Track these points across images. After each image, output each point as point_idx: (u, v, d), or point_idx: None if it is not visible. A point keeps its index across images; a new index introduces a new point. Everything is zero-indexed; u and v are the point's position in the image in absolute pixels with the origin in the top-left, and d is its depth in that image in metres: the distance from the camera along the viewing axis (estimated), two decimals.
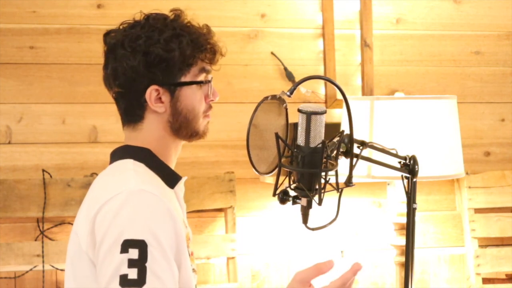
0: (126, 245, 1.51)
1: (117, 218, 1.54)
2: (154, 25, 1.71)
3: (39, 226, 2.98)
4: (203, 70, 1.73)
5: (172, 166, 1.75)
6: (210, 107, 1.76)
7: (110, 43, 1.72)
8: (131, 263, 1.50)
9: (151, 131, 1.71)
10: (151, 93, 1.69)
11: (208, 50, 1.73)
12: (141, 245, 1.51)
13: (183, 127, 1.72)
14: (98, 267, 1.54)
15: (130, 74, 1.68)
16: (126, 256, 1.50)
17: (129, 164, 1.67)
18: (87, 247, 1.58)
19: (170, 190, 1.71)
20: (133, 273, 1.49)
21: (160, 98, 1.69)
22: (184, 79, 1.71)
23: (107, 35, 1.74)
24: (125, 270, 1.49)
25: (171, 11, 1.77)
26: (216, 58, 1.75)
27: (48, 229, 2.99)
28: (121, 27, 1.74)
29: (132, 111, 1.72)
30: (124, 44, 1.68)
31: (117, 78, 1.71)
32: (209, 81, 1.75)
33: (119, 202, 1.56)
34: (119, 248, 1.51)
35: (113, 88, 1.73)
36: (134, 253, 1.50)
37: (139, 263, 1.50)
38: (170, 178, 1.71)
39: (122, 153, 1.72)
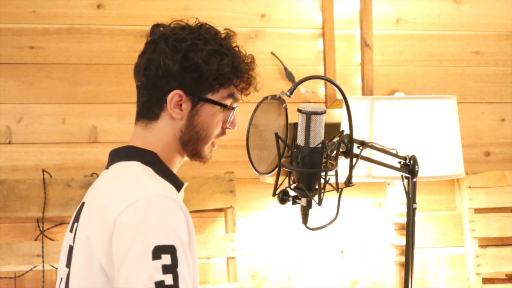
0: (158, 251, 1.48)
1: (142, 225, 1.51)
2: (203, 35, 1.69)
3: (39, 226, 2.98)
4: (231, 95, 1.71)
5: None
6: (223, 133, 1.75)
7: (155, 35, 1.71)
8: (166, 269, 1.47)
9: (161, 134, 1.69)
10: (174, 96, 1.67)
11: (245, 79, 1.71)
12: (172, 250, 1.49)
13: (192, 142, 1.70)
14: (124, 276, 1.50)
15: (162, 70, 1.66)
16: (159, 262, 1.48)
17: (139, 167, 1.65)
18: (101, 253, 1.54)
19: (177, 194, 1.69)
20: (169, 279, 1.47)
21: (180, 105, 1.68)
22: (211, 96, 1.69)
23: (155, 27, 1.73)
24: (160, 276, 1.47)
25: (225, 29, 1.74)
26: (249, 90, 1.73)
27: (48, 229, 2.99)
28: (171, 24, 1.72)
29: (149, 106, 1.70)
30: (168, 41, 1.67)
31: (148, 69, 1.68)
32: (233, 108, 1.73)
33: (142, 209, 1.53)
34: (150, 255, 1.48)
35: (140, 78, 1.71)
36: (167, 259, 1.48)
37: (173, 269, 1.48)
38: (174, 184, 1.69)
39: (127, 154, 1.69)
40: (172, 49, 1.66)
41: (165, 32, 1.70)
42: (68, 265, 1.67)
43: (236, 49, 1.72)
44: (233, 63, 1.69)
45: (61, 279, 1.69)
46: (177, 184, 1.70)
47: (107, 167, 1.72)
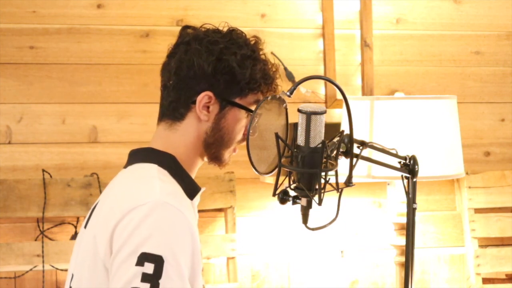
0: (143, 258, 1.48)
1: (138, 229, 1.51)
2: (235, 39, 1.69)
3: (39, 226, 2.97)
4: (257, 102, 1.70)
5: (193, 176, 1.72)
6: (244, 139, 1.73)
7: (188, 35, 1.70)
8: (145, 278, 1.46)
9: (185, 135, 1.69)
10: (203, 98, 1.66)
11: (273, 86, 1.72)
12: (158, 261, 1.48)
13: (215, 145, 1.70)
14: (111, 275, 1.51)
15: (195, 71, 1.66)
16: (140, 270, 1.47)
17: (153, 171, 1.64)
18: (104, 255, 1.55)
19: (188, 201, 1.67)
20: None
21: (208, 107, 1.67)
22: (239, 101, 1.69)
23: (184, 28, 1.73)
24: (137, 283, 1.46)
25: (253, 36, 1.74)
26: None
27: (48, 229, 2.99)
28: (202, 28, 1.72)
29: (176, 107, 1.69)
30: (202, 42, 1.67)
31: (180, 69, 1.68)
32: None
33: (142, 214, 1.52)
34: (135, 260, 1.48)
35: (171, 77, 1.70)
36: (149, 268, 1.47)
37: (153, 279, 1.47)
38: (190, 189, 1.68)
39: (145, 155, 1.69)
40: (206, 50, 1.66)
41: (198, 34, 1.70)
42: None
43: (263, 56, 1.73)
44: (264, 69, 1.70)
45: (72, 275, 1.68)
46: (194, 189, 1.70)
47: (125, 167, 1.72)
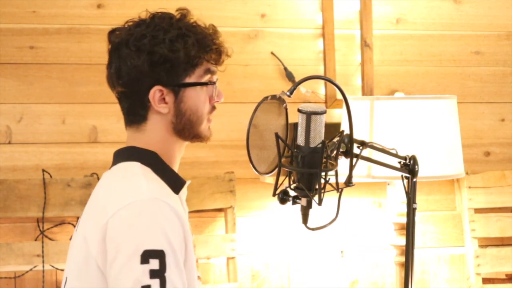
0: (147, 255, 1.49)
1: (133, 228, 1.52)
2: (159, 25, 1.69)
3: (39, 226, 2.98)
4: (208, 71, 1.71)
5: (176, 168, 1.73)
6: (213, 108, 1.74)
7: (115, 42, 1.70)
8: (153, 274, 1.48)
9: (154, 133, 1.69)
10: (155, 93, 1.67)
11: (214, 51, 1.71)
12: (161, 255, 1.50)
13: (186, 128, 1.70)
14: (113, 277, 1.52)
15: (134, 73, 1.66)
16: (147, 267, 1.49)
17: (137, 168, 1.65)
18: (97, 253, 1.55)
19: (175, 196, 1.68)
20: (155, 284, 1.48)
21: (164, 99, 1.67)
22: (188, 79, 1.68)
23: (111, 33, 1.72)
24: (147, 281, 1.48)
25: (177, 10, 1.74)
26: (221, 59, 1.73)
27: (48, 229, 2.99)
28: (126, 25, 1.72)
29: (135, 111, 1.70)
30: (129, 43, 1.67)
31: (120, 77, 1.69)
32: (214, 82, 1.72)
33: (134, 211, 1.54)
34: (139, 259, 1.49)
35: (116, 88, 1.72)
36: (155, 264, 1.49)
37: (160, 273, 1.49)
38: (175, 183, 1.69)
39: (128, 154, 1.70)
40: (136, 50, 1.66)
41: (122, 36, 1.69)
42: None
43: (195, 25, 1.72)
44: (197, 41, 1.69)
45: (66, 278, 1.69)
46: (179, 183, 1.71)
47: (110, 167, 1.73)
